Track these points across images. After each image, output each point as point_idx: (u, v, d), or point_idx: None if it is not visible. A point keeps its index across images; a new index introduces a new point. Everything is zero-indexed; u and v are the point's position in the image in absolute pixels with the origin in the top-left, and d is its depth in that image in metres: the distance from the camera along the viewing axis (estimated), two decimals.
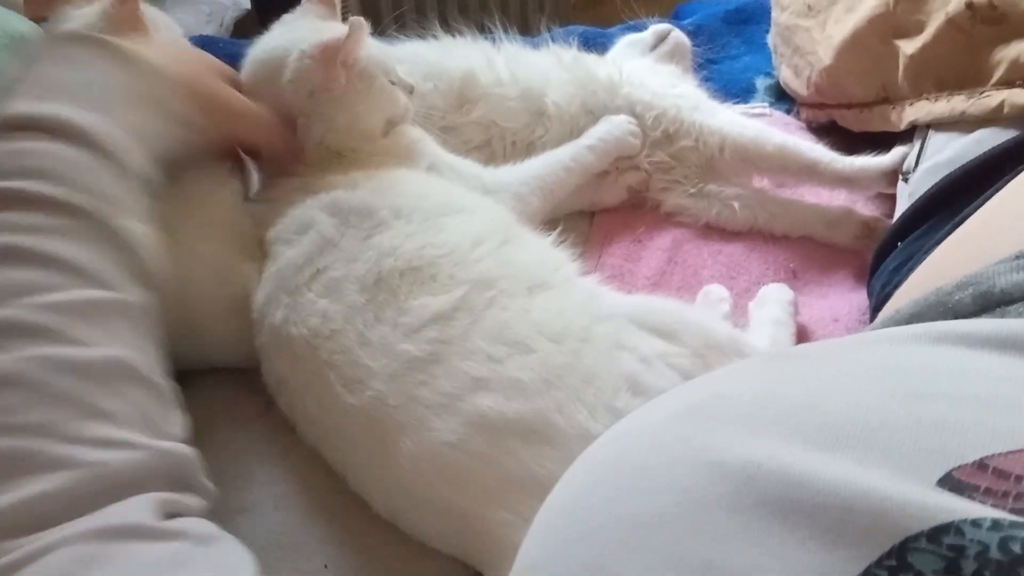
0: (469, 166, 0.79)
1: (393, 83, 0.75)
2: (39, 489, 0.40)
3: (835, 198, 0.89)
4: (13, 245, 0.47)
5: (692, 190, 0.88)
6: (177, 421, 0.51)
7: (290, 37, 0.72)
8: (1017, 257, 0.40)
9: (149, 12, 0.76)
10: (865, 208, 0.88)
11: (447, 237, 0.63)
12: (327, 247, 0.62)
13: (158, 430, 0.48)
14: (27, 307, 0.46)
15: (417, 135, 0.77)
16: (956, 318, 0.38)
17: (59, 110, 0.53)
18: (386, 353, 0.56)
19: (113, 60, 0.58)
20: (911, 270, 0.67)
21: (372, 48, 0.73)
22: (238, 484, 0.60)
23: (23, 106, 0.53)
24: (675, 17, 1.36)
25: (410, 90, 0.78)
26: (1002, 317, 0.35)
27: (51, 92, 0.55)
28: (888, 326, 0.43)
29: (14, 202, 0.49)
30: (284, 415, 0.63)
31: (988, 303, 0.37)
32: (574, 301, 0.61)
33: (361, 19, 0.69)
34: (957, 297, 0.38)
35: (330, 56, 0.68)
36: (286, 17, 0.77)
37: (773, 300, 0.76)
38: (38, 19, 0.77)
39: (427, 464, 0.52)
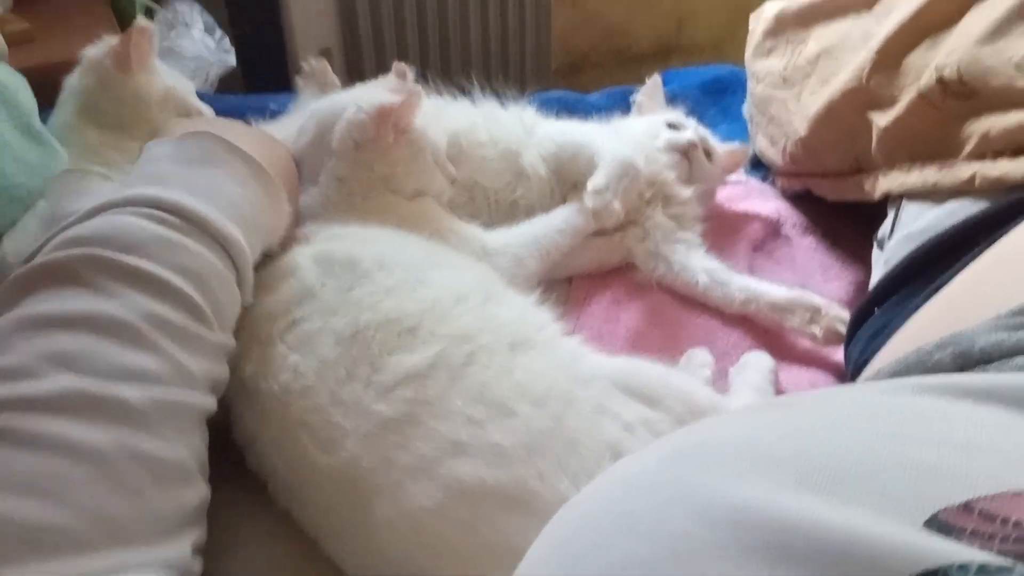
0: (471, 229, 0.80)
1: (437, 162, 0.79)
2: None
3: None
4: (136, 328, 0.47)
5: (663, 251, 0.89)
6: (201, 533, 0.49)
7: (353, 96, 0.78)
8: (997, 318, 0.41)
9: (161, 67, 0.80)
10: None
11: (428, 292, 0.62)
12: (306, 297, 0.61)
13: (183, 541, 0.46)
14: (136, 392, 0.45)
15: (430, 203, 0.80)
16: None
17: (213, 215, 0.54)
18: (360, 413, 0.54)
19: (247, 169, 0.60)
20: (888, 337, 0.68)
21: (429, 127, 0.78)
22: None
23: (176, 194, 0.53)
24: None
25: (452, 180, 0.82)
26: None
27: (199, 192, 0.55)
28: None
29: (155, 289, 0.49)
30: (253, 472, 0.61)
31: (968, 362, 0.37)
32: (556, 362, 0.60)
33: (420, 88, 0.76)
34: (937, 357, 0.39)
35: (384, 116, 0.72)
36: (359, 85, 0.86)
37: (753, 367, 0.76)
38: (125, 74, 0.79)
39: (403, 529, 0.51)
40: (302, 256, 0.64)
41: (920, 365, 0.39)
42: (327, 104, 0.78)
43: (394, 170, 0.75)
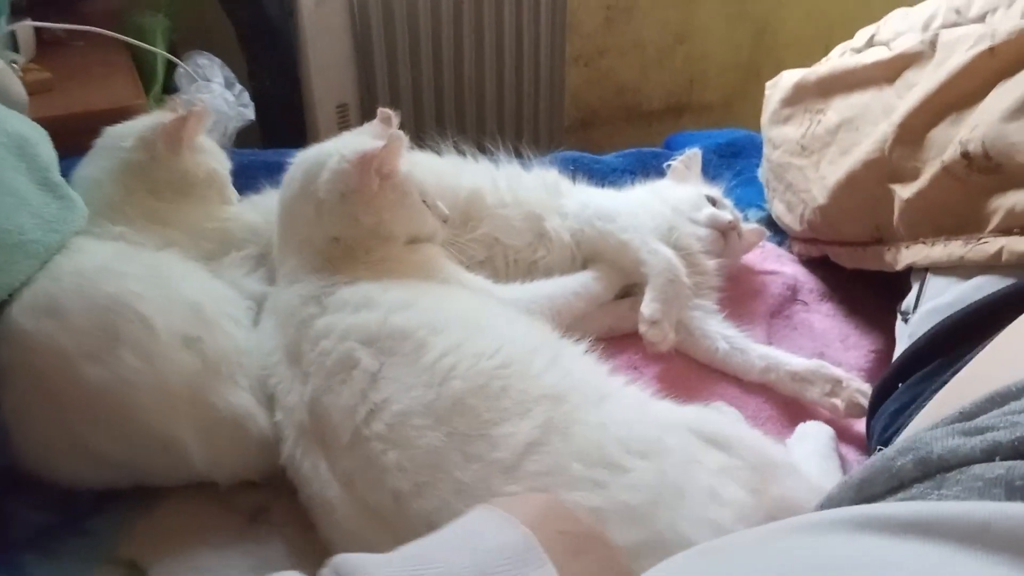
0: (481, 281, 0.79)
1: (426, 203, 0.77)
2: None
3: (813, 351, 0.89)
4: None
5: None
6: None
7: (336, 144, 0.77)
8: (959, 414, 0.40)
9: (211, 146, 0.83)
10: (843, 357, 0.89)
11: (492, 344, 0.61)
12: (374, 380, 0.59)
13: None
14: None
15: (435, 251, 0.79)
16: (901, 483, 0.37)
17: None
18: (491, 497, 0.51)
19: None
20: (913, 413, 0.66)
21: (415, 167, 0.76)
22: None
23: None
24: (666, 147, 1.40)
25: (444, 219, 0.80)
26: (941, 485, 0.35)
27: None
28: (845, 492, 0.42)
29: None
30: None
31: (928, 469, 0.36)
32: (636, 411, 0.61)
33: (401, 133, 0.74)
34: (900, 463, 0.38)
35: (366, 163, 0.71)
36: (345, 133, 0.82)
37: (813, 436, 0.76)
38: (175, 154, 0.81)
39: None
40: (343, 343, 0.62)
41: (885, 471, 0.38)
42: (312, 154, 0.77)
43: (382, 217, 0.73)
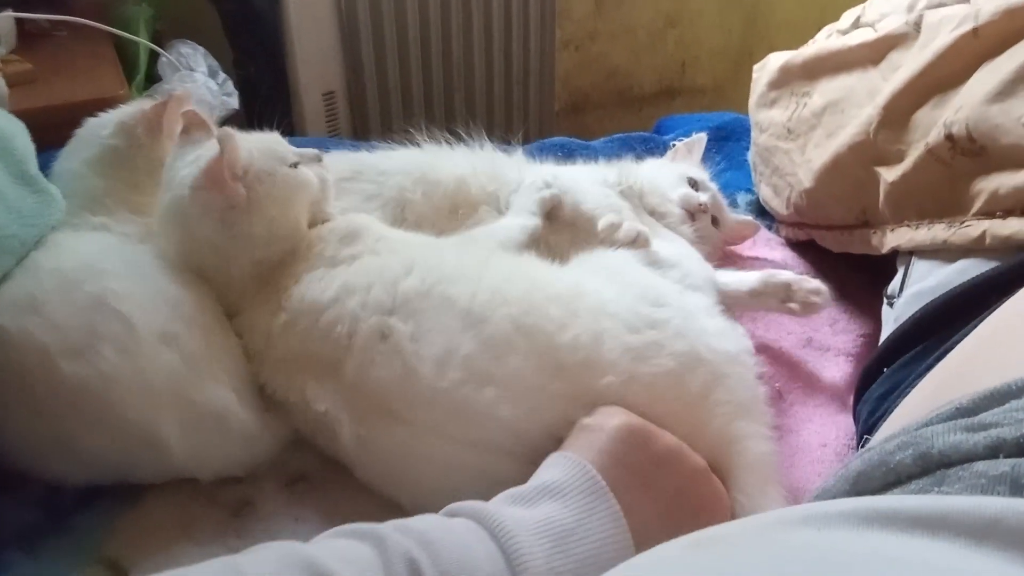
0: (420, 236, 0.77)
1: (295, 164, 0.71)
2: None
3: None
4: None
5: None
6: None
7: (175, 181, 0.68)
8: (956, 410, 0.40)
9: None
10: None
11: (506, 270, 0.66)
12: (417, 340, 0.60)
13: None
14: None
15: (360, 221, 0.74)
16: (900, 478, 0.37)
17: None
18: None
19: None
20: (898, 398, 0.66)
21: (254, 143, 0.69)
22: None
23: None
24: (657, 131, 1.39)
25: (317, 159, 0.74)
26: (942, 481, 0.34)
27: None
28: (840, 484, 0.41)
29: None
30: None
31: (928, 465, 0.36)
32: (621, 274, 0.72)
33: (227, 129, 0.66)
34: (898, 457, 0.37)
35: (217, 177, 0.65)
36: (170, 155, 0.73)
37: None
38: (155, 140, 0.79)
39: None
40: (363, 322, 0.61)
41: (883, 465, 0.37)
42: (166, 202, 0.70)
43: (271, 216, 0.67)
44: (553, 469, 0.54)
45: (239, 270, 0.68)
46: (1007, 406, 0.37)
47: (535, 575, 0.46)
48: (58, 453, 0.62)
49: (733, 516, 0.59)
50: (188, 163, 0.68)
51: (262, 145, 0.70)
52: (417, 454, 0.59)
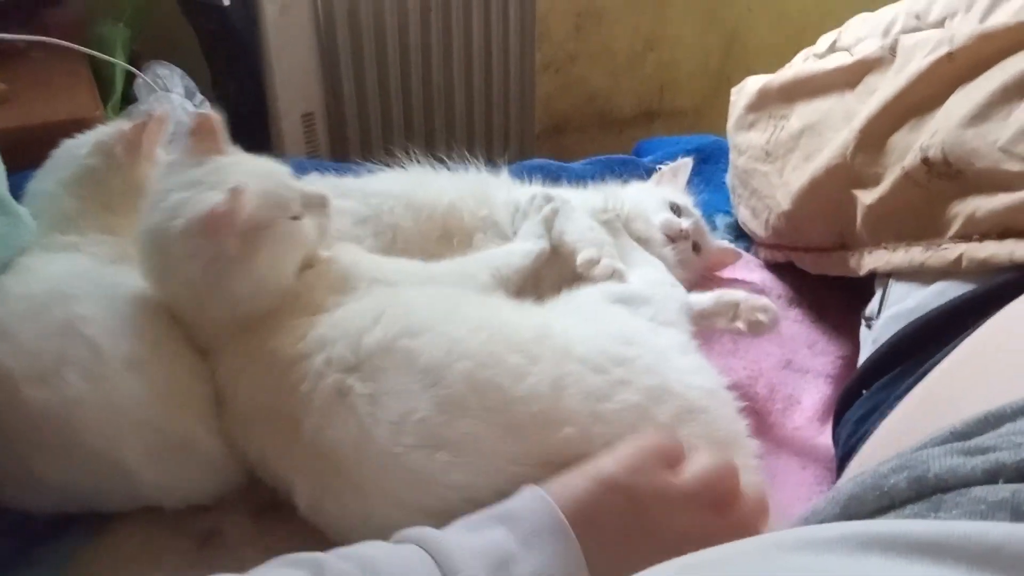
0: (413, 264, 0.75)
1: (296, 217, 0.65)
2: None
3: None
4: None
5: None
6: None
7: (165, 205, 0.62)
8: (951, 434, 0.39)
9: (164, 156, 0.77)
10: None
11: (471, 320, 0.62)
12: (376, 402, 0.57)
13: None
14: None
15: (350, 257, 0.70)
16: (893, 502, 0.36)
17: None
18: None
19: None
20: (877, 420, 0.66)
21: (257, 184, 0.61)
22: None
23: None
24: (636, 154, 1.40)
25: (322, 204, 0.68)
26: (939, 507, 0.33)
27: None
28: (830, 507, 0.40)
29: None
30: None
31: (924, 489, 0.35)
32: (592, 312, 0.72)
33: (239, 188, 0.58)
34: (892, 481, 0.36)
35: (214, 229, 0.58)
36: (165, 161, 0.68)
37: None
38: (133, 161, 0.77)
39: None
40: (324, 380, 0.58)
41: (876, 488, 0.36)
42: (144, 225, 0.64)
43: (258, 275, 0.62)
44: (513, 498, 0.53)
45: (213, 320, 0.64)
46: (1003, 430, 0.37)
47: None
48: (22, 481, 0.61)
49: None
50: (185, 187, 0.62)
51: (266, 187, 0.63)
52: (370, 523, 0.55)
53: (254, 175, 0.63)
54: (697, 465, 0.56)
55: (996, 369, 0.49)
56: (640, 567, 0.50)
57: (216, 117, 0.66)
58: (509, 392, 0.57)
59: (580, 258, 0.80)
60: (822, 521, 0.40)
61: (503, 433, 0.56)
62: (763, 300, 0.83)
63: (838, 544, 0.30)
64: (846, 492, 0.39)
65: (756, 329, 0.82)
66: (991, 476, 0.32)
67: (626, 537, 0.52)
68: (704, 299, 0.84)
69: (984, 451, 0.35)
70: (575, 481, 0.53)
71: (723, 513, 0.55)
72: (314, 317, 0.63)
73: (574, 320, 0.67)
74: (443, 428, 0.55)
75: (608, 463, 0.54)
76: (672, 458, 0.56)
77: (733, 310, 0.83)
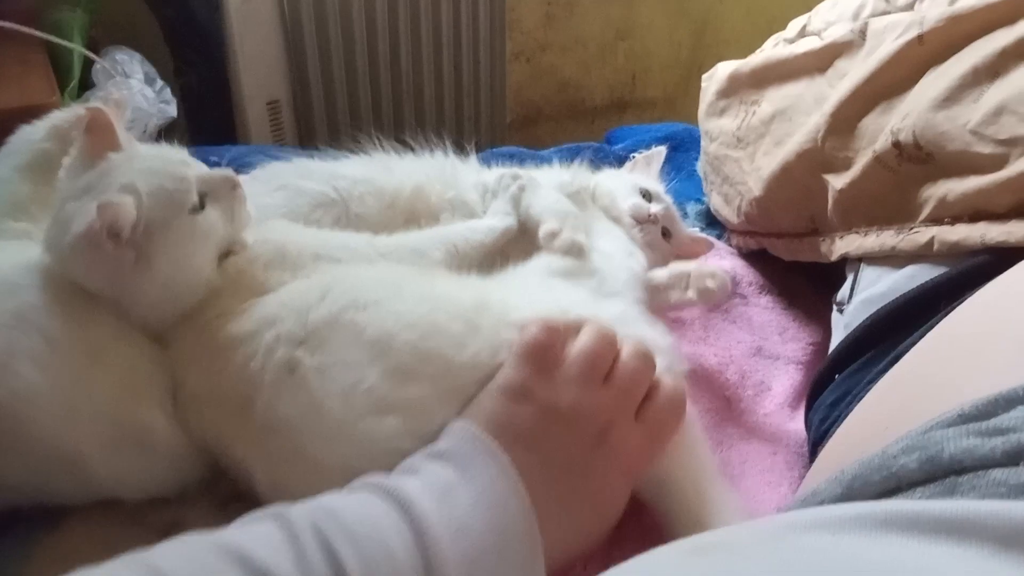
0: (361, 238, 0.74)
1: (200, 205, 0.62)
2: None
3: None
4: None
5: None
6: None
7: (60, 218, 0.59)
8: (959, 416, 0.38)
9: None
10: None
11: (417, 291, 0.63)
12: (324, 373, 0.57)
13: None
14: None
15: (281, 234, 0.69)
16: (900, 484, 0.35)
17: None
18: None
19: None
20: (850, 405, 0.66)
21: (145, 184, 0.58)
22: None
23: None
24: (607, 142, 1.39)
25: (230, 185, 0.65)
26: (953, 489, 0.32)
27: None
28: (831, 488, 0.39)
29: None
30: None
31: (936, 471, 0.33)
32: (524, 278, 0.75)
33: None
34: (902, 462, 0.35)
35: (94, 245, 0.55)
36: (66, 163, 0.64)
37: None
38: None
39: None
40: (273, 355, 0.58)
41: (884, 469, 0.35)
42: (52, 240, 0.60)
43: (163, 280, 0.60)
44: (441, 438, 0.55)
45: (142, 317, 0.62)
46: (1016, 412, 0.35)
47: (431, 522, 0.47)
48: None
49: (671, 527, 0.58)
50: (77, 195, 0.59)
51: (156, 185, 0.59)
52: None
53: (143, 174, 0.60)
54: (578, 344, 0.59)
55: (974, 351, 0.49)
56: (565, 454, 0.55)
57: (109, 109, 0.63)
58: (453, 360, 0.58)
59: (542, 230, 0.79)
60: (822, 502, 0.39)
61: (449, 397, 0.58)
62: (712, 267, 0.84)
63: (854, 524, 0.28)
64: (849, 473, 0.38)
65: (707, 297, 0.83)
66: (1012, 458, 0.31)
67: (543, 429, 0.55)
68: (660, 273, 0.85)
69: (1003, 432, 0.33)
70: (484, 401, 0.57)
71: (608, 383, 0.58)
72: (259, 297, 0.62)
73: (513, 291, 0.68)
74: (391, 394, 0.56)
75: (502, 373, 0.58)
76: (559, 343, 0.59)
77: (685, 280, 0.84)
